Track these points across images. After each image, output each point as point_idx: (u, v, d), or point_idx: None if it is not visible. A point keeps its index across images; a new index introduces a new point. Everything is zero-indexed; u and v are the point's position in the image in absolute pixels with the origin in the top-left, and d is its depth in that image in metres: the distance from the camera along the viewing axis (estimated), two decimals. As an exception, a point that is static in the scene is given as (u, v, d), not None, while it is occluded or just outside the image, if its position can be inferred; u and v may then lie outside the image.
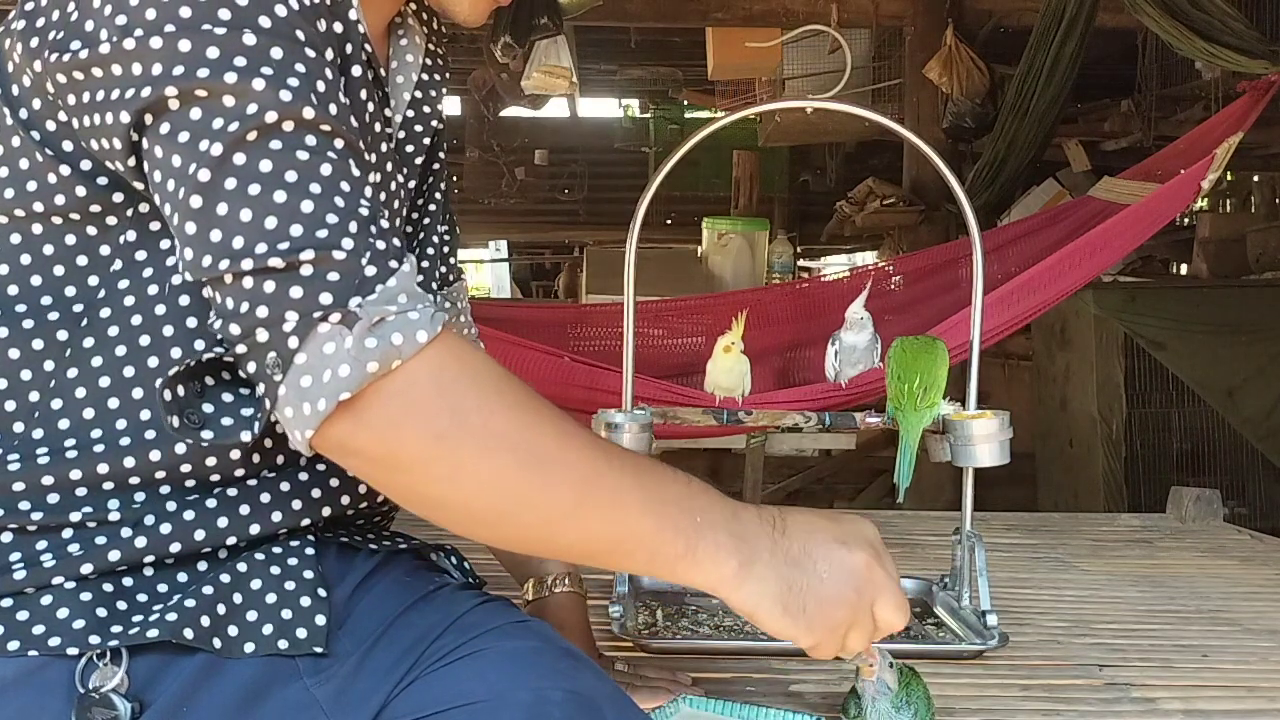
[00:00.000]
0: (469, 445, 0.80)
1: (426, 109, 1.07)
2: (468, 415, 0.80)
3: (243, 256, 0.77)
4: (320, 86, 0.81)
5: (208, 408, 0.87)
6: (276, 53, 0.79)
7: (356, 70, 0.92)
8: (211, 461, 0.88)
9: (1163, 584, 1.79)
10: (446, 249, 1.20)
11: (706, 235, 4.95)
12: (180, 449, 0.87)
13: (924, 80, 5.13)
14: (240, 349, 0.79)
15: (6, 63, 0.87)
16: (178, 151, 0.79)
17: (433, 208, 1.13)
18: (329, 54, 0.85)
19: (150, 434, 0.87)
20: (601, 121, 9.80)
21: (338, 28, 0.88)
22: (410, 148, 1.06)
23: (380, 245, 0.80)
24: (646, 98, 9.09)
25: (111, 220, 0.87)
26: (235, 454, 0.89)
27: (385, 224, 0.82)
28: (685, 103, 8.72)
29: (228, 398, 0.87)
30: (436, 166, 1.13)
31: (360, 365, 0.76)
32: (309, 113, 0.79)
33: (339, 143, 0.81)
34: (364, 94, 0.93)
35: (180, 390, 0.85)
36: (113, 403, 0.87)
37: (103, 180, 0.86)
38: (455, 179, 1.22)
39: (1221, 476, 4.25)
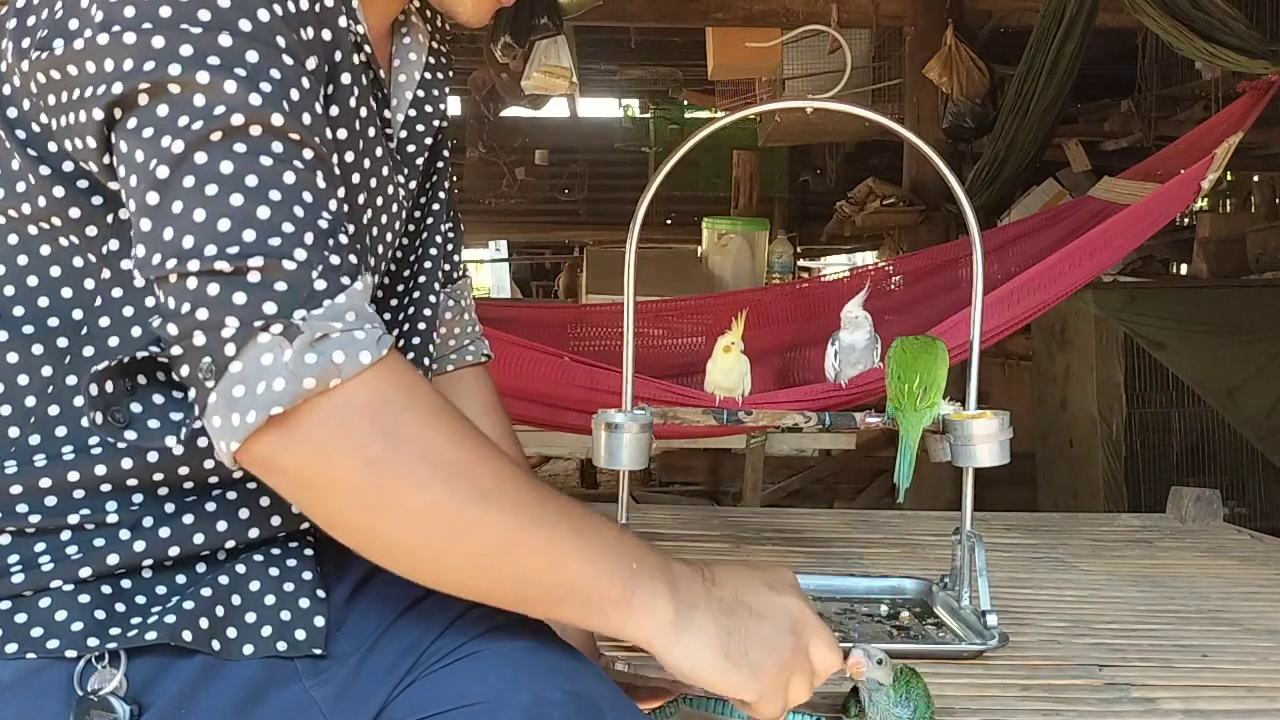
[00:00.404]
0: (402, 474, 0.77)
1: (429, 108, 1.06)
2: (404, 444, 0.77)
3: (190, 257, 0.75)
4: (294, 94, 0.80)
5: (136, 407, 0.84)
6: (252, 56, 0.78)
7: (346, 78, 0.90)
8: (209, 464, 0.88)
9: (1163, 584, 1.78)
10: (450, 247, 1.20)
11: (706, 235, 4.95)
12: (179, 451, 0.86)
13: (924, 80, 5.13)
14: (175, 350, 0.77)
15: (0, 62, 0.86)
16: (141, 146, 0.77)
17: (436, 206, 1.13)
18: (311, 63, 0.83)
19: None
20: (601, 121, 9.81)
21: (326, 35, 0.87)
22: (412, 147, 1.06)
23: (334, 260, 0.78)
24: (646, 98, 9.10)
25: (92, 231, 0.86)
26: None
27: (345, 240, 0.80)
28: (685, 103, 8.73)
29: (159, 399, 0.85)
30: (440, 164, 1.13)
31: (296, 380, 0.74)
32: (278, 119, 0.78)
33: (307, 153, 0.79)
34: (354, 100, 0.92)
35: (109, 386, 0.82)
36: None
37: (83, 184, 0.85)
38: (456, 179, 1.21)
39: (1221, 476, 4.25)
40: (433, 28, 1.08)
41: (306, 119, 0.80)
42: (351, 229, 0.81)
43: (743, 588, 0.89)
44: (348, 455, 0.76)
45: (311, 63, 0.83)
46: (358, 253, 0.81)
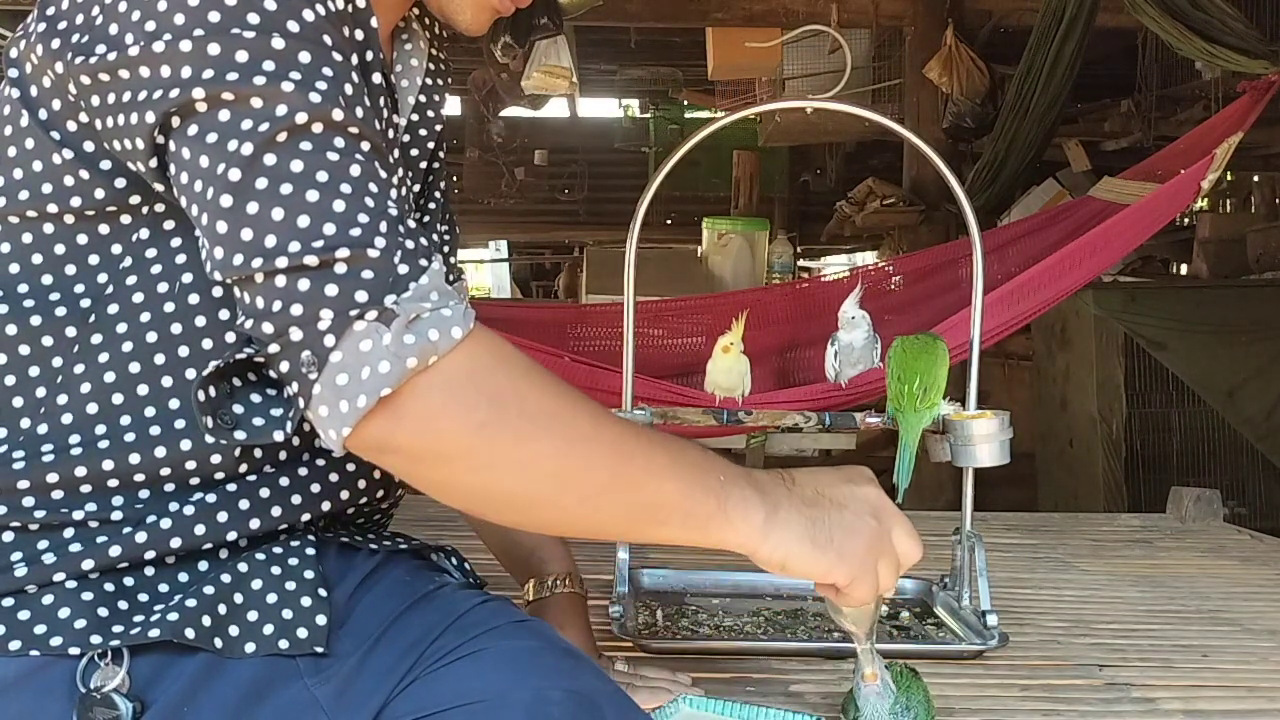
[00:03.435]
0: (508, 432, 0.81)
1: (430, 114, 1.08)
2: (505, 404, 0.81)
3: (276, 254, 0.78)
4: (347, 90, 0.83)
5: (238, 408, 0.87)
6: (304, 57, 0.81)
7: (377, 78, 0.93)
8: (216, 459, 0.89)
9: (1163, 584, 1.79)
10: (446, 249, 1.21)
11: (706, 235, 4.95)
12: (185, 445, 0.88)
13: (924, 80, 5.13)
14: (272, 349, 0.80)
15: (25, 64, 0.88)
16: (206, 152, 0.79)
17: (433, 207, 1.14)
18: (353, 59, 0.86)
19: (155, 430, 0.88)
20: (601, 121, 9.81)
21: (359, 35, 0.89)
22: (414, 151, 1.07)
23: (410, 245, 0.81)
24: (646, 98, 9.10)
25: (126, 219, 0.88)
26: (238, 450, 0.89)
27: (412, 224, 0.83)
28: (685, 103, 8.72)
29: (256, 398, 0.88)
30: (437, 166, 1.14)
31: (400, 361, 0.77)
32: (338, 115, 0.80)
33: (365, 145, 0.82)
34: (381, 100, 0.94)
35: (212, 391, 0.85)
36: (117, 398, 0.88)
37: (121, 182, 0.87)
38: (455, 179, 1.23)
39: (1221, 476, 4.24)
40: (431, 34, 1.09)
41: (359, 112, 0.83)
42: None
43: (822, 484, 0.93)
44: (457, 423, 0.80)
45: (354, 59, 0.86)
46: (426, 235, 0.85)
